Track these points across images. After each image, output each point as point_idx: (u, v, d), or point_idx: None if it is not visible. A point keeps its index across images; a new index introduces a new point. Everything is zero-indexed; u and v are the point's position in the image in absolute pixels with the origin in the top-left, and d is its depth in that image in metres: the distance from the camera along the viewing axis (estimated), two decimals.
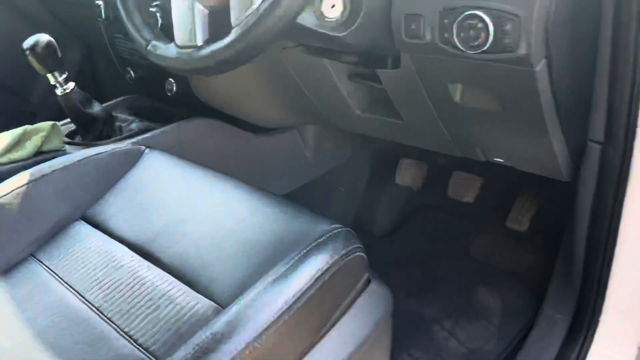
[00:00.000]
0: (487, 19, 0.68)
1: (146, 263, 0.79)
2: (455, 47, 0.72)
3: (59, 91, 1.11)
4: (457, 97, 0.86)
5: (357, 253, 0.75)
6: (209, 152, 1.24)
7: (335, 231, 0.75)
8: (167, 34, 0.87)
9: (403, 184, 1.51)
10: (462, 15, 0.70)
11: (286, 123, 1.40)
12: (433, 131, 1.03)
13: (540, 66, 0.71)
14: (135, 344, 0.67)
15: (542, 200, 1.32)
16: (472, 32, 0.70)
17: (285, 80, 1.14)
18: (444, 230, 1.48)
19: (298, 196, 1.47)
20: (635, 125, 0.74)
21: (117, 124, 1.21)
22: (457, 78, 0.83)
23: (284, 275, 0.68)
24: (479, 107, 0.86)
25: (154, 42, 0.85)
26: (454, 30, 0.71)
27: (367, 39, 0.80)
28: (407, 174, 1.52)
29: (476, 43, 0.70)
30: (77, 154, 0.98)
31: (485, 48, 0.70)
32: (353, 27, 0.77)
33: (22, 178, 0.90)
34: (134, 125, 1.18)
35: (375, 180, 1.60)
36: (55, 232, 0.89)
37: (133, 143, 1.08)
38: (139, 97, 1.38)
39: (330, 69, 1.01)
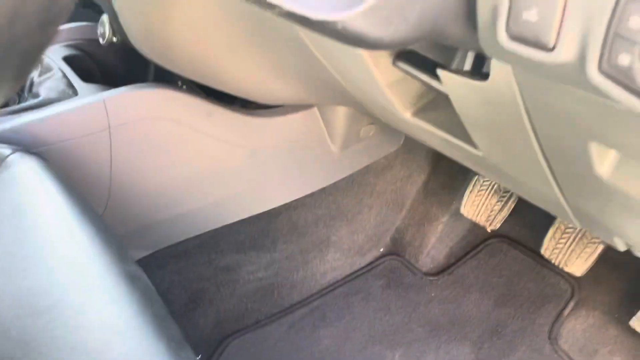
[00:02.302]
0: None
1: None
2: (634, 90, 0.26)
3: None
4: (602, 168, 0.41)
5: None
6: (161, 143, 0.77)
7: None
8: None
9: (469, 216, 0.99)
10: None
11: (300, 99, 0.90)
12: (537, 187, 0.55)
13: None
14: None
15: None
16: None
17: (303, 57, 0.65)
18: (524, 288, 0.98)
19: (313, 203, 1.00)
20: None
21: (32, 75, 0.77)
22: (615, 137, 0.36)
23: None
24: None
25: None
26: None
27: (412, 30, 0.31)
28: (480, 204, 0.97)
29: None
30: None
31: None
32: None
33: None
34: (44, 87, 0.74)
35: (432, 192, 1.09)
36: None
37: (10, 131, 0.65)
38: (92, 27, 0.88)
39: None
